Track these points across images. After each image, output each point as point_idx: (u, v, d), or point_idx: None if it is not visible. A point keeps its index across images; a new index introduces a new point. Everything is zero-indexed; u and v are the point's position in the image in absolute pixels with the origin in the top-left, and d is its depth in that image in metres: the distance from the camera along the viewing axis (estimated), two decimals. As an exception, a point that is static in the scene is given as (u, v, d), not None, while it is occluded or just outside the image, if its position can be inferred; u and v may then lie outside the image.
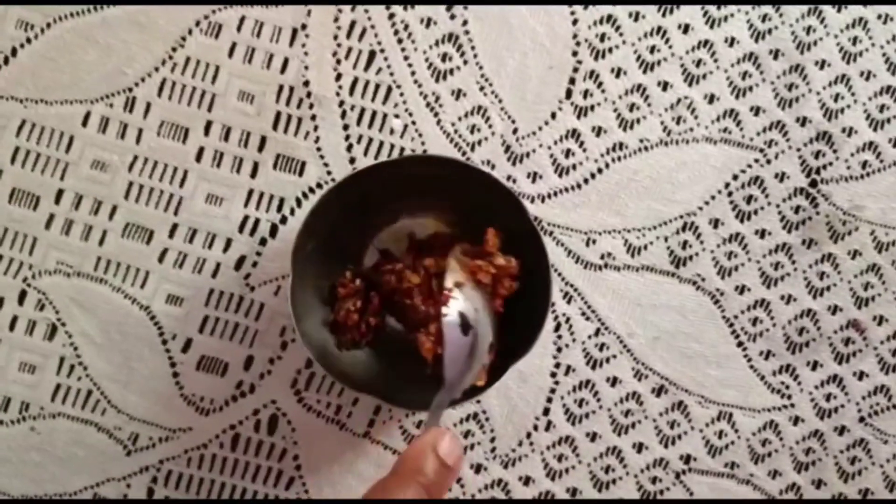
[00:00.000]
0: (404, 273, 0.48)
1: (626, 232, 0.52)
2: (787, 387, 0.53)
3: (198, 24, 0.50)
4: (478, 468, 0.52)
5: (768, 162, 0.52)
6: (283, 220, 0.51)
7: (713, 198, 0.52)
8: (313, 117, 0.51)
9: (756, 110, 0.52)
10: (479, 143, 0.52)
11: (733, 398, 0.53)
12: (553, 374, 0.52)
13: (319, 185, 0.51)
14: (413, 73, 0.51)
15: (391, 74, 0.51)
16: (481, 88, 0.51)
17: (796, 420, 0.53)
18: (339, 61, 0.51)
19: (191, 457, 0.51)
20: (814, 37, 0.52)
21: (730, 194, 0.52)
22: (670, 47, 0.52)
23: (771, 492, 0.53)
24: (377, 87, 0.51)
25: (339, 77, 0.51)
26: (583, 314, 0.52)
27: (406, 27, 0.51)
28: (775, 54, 0.52)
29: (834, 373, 0.53)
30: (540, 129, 0.52)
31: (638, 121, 0.52)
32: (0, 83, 0.50)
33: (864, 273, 0.53)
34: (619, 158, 0.52)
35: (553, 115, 0.52)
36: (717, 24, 0.52)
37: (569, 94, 0.52)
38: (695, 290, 0.52)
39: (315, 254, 0.46)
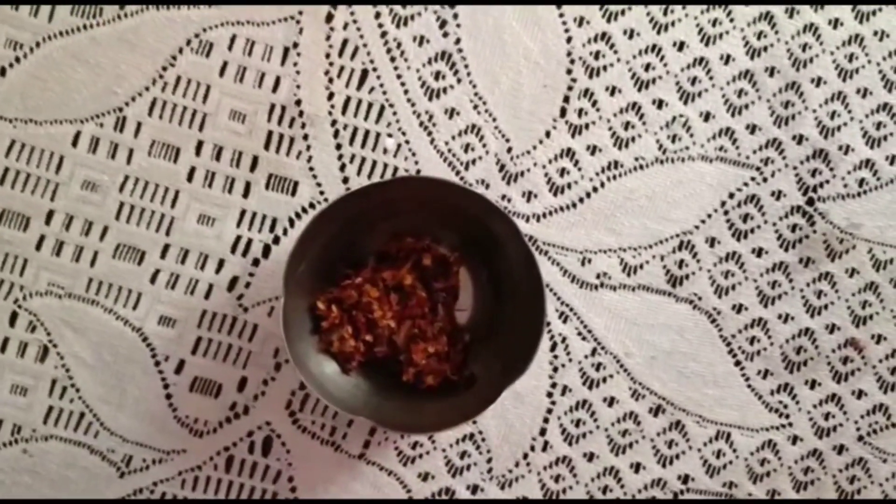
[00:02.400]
0: (364, 287, 0.48)
1: (622, 251, 0.52)
2: (786, 406, 0.53)
3: (188, 42, 0.50)
4: (474, 489, 0.51)
5: (765, 180, 0.52)
6: (276, 240, 0.51)
7: (709, 216, 0.52)
8: (305, 136, 0.51)
9: (752, 128, 0.52)
10: (474, 162, 0.51)
11: (731, 418, 0.52)
12: (549, 394, 0.52)
13: (312, 205, 0.51)
14: (406, 92, 0.51)
15: (384, 93, 0.51)
16: (475, 107, 0.51)
17: (795, 439, 0.53)
18: (331, 80, 0.51)
19: (185, 479, 0.50)
20: (810, 54, 0.52)
21: (726, 213, 0.52)
22: (665, 65, 0.52)
23: (769, 512, 0.53)
24: (370, 105, 0.51)
25: (331, 96, 0.51)
26: (579, 334, 0.51)
27: (399, 45, 0.51)
28: (771, 72, 0.52)
29: (832, 392, 0.53)
30: (534, 147, 0.51)
31: (633, 139, 0.52)
32: (-10, 103, 0.49)
33: (861, 291, 0.53)
34: (614, 177, 0.52)
35: (547, 134, 0.51)
36: (713, 41, 0.52)
37: (563, 112, 0.51)
38: (692, 309, 0.52)
39: (308, 274, 0.46)
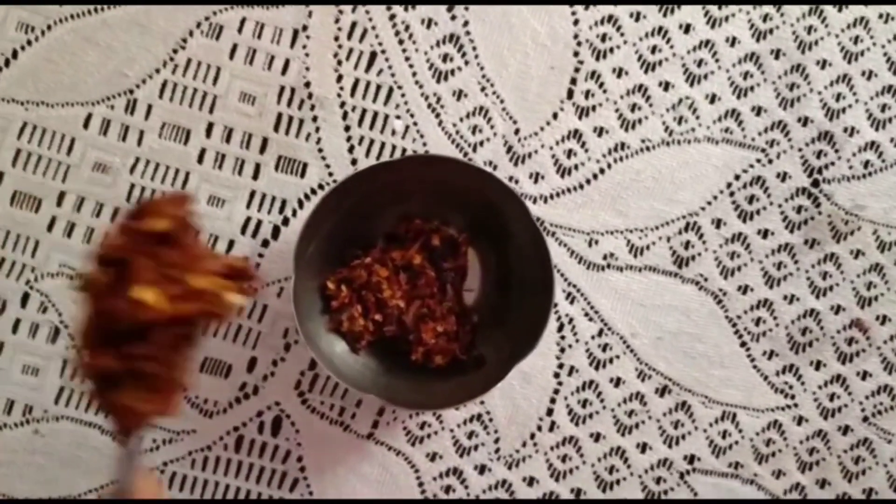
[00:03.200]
0: (374, 267, 0.48)
1: (629, 232, 0.52)
2: (791, 387, 0.53)
3: (199, 25, 0.50)
4: (482, 469, 0.52)
5: (770, 162, 0.52)
6: (286, 221, 0.51)
7: (715, 198, 0.52)
8: (315, 118, 0.51)
9: (757, 110, 0.52)
10: (481, 143, 0.52)
11: (737, 398, 0.53)
12: (556, 375, 0.52)
13: (321, 187, 0.51)
14: (414, 74, 0.51)
15: (392, 75, 0.51)
16: (483, 89, 0.51)
17: (800, 420, 0.53)
18: (340, 62, 0.51)
19: (195, 459, 0.51)
20: (815, 36, 0.52)
21: (732, 194, 0.52)
22: (671, 47, 0.52)
23: (775, 492, 0.53)
24: (378, 88, 0.51)
25: (340, 78, 0.51)
26: (586, 315, 0.52)
27: (407, 28, 0.51)
28: (776, 54, 0.52)
29: (837, 372, 0.53)
30: (542, 129, 0.52)
31: (640, 121, 0.52)
32: (1, 85, 0.50)
33: (866, 273, 0.53)
34: (620, 159, 0.52)
35: (555, 116, 0.52)
36: (719, 23, 0.52)
37: (570, 94, 0.52)
38: (697, 290, 0.52)
39: (317, 255, 0.46)
